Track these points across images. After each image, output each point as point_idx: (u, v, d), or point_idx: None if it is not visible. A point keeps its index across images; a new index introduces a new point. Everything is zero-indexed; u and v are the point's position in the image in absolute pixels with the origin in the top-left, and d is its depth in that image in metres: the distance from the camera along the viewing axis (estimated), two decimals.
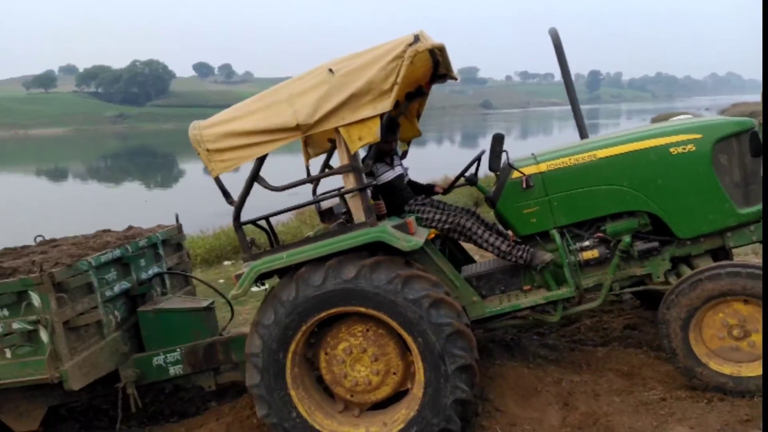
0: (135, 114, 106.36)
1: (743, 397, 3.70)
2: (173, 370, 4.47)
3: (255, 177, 3.85)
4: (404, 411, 3.76)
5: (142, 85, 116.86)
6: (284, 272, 3.85)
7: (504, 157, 4.31)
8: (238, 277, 3.81)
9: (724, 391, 3.74)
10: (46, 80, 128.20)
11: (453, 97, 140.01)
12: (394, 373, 3.82)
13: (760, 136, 4.07)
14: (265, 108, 3.73)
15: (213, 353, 4.48)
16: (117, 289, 4.45)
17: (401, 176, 4.65)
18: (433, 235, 4.49)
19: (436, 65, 4.39)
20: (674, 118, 4.40)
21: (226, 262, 11.07)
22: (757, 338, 3.72)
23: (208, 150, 3.74)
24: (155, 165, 45.54)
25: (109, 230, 5.38)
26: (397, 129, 4.65)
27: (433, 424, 3.63)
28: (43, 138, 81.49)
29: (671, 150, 4.03)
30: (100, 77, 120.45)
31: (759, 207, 4.07)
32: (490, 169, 4.29)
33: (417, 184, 4.94)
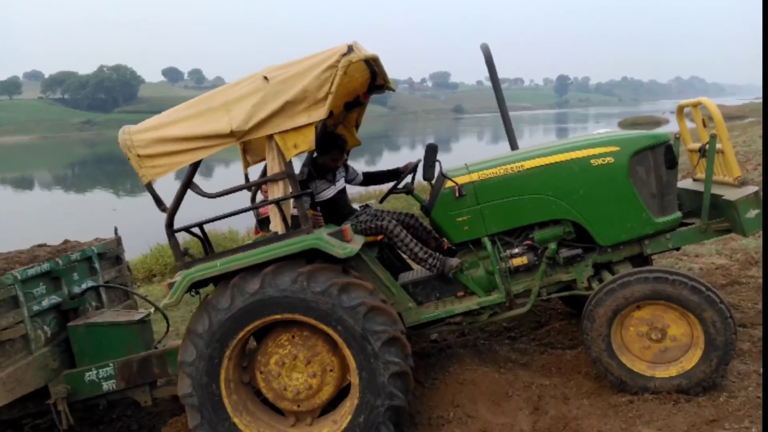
0: (103, 120, 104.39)
1: (652, 394, 3.84)
2: (106, 386, 4.40)
3: (188, 183, 3.85)
4: (348, 405, 3.81)
5: (110, 91, 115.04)
6: (219, 280, 3.85)
7: (437, 166, 4.40)
8: (171, 285, 3.80)
9: (636, 388, 3.89)
10: (10, 86, 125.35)
11: (425, 102, 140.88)
12: (331, 370, 3.86)
13: (675, 149, 4.25)
14: (199, 114, 3.73)
15: (147, 367, 4.42)
16: (46, 303, 4.36)
17: (342, 191, 4.71)
18: (373, 239, 4.56)
19: (374, 76, 4.46)
20: (595, 132, 4.57)
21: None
22: (673, 342, 3.88)
23: (138, 155, 3.73)
24: (124, 172, 44.73)
25: (44, 245, 5.28)
26: (345, 146, 4.69)
27: (377, 406, 3.68)
28: (7, 146, 79.50)
29: (592, 162, 4.17)
30: (67, 83, 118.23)
31: (674, 216, 4.26)
32: (424, 178, 4.38)
33: (380, 172, 5.08)
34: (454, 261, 4.35)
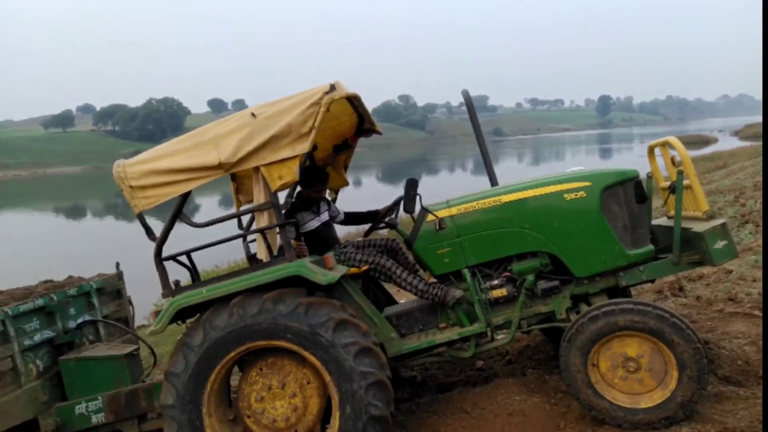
0: None
1: (636, 428, 3.78)
2: (95, 419, 4.53)
3: (178, 213, 4.02)
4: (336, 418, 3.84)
5: (158, 122, 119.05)
6: (203, 310, 3.96)
7: (418, 200, 4.45)
8: (157, 313, 3.92)
9: (620, 423, 3.84)
10: (64, 120, 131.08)
11: (464, 126, 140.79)
12: (308, 383, 3.94)
13: (648, 187, 4.32)
14: (190, 148, 3.93)
15: (135, 400, 4.54)
16: (38, 338, 4.53)
17: (326, 223, 4.82)
18: (357, 271, 4.60)
19: (362, 119, 4.60)
20: (569, 169, 4.61)
21: None
22: (648, 373, 3.86)
23: (131, 187, 3.92)
24: (170, 201, 46.03)
25: (51, 280, 5.50)
26: (327, 179, 4.84)
27: (359, 418, 3.74)
28: (61, 176, 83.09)
29: (565, 196, 4.23)
30: (117, 115, 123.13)
31: (646, 249, 4.28)
32: (405, 210, 4.43)
33: (358, 213, 5.17)
34: (458, 292, 4.35)
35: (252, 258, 4.72)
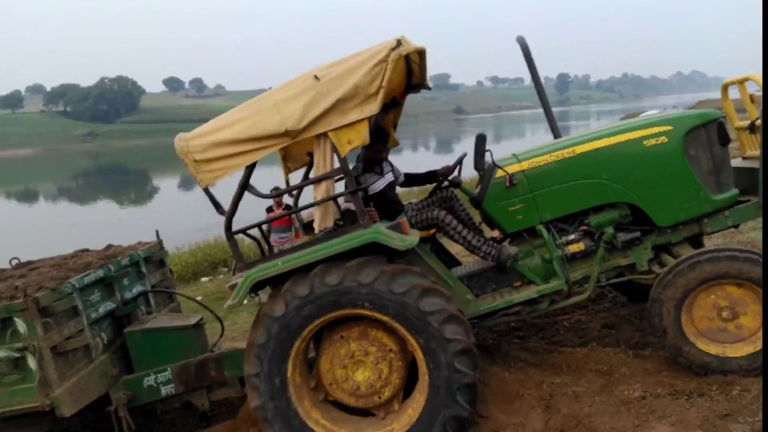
0: (105, 132, 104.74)
1: (725, 375, 3.81)
2: (165, 390, 4.41)
3: (245, 185, 3.86)
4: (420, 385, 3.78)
5: (112, 102, 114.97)
6: (276, 282, 3.85)
7: (488, 156, 4.37)
8: (233, 287, 3.80)
9: (708, 370, 3.86)
10: (13, 101, 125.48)
11: (426, 104, 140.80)
12: (391, 350, 3.84)
13: (726, 126, 4.22)
14: (251, 116, 3.74)
15: (205, 371, 4.43)
16: (102, 310, 4.36)
17: (391, 184, 4.67)
18: (426, 234, 4.53)
19: (410, 76, 4.46)
20: (644, 113, 4.55)
21: (203, 279, 10.98)
22: (745, 320, 3.84)
23: (195, 161, 3.73)
24: (128, 182, 44.90)
25: (87, 250, 5.29)
26: (388, 138, 4.67)
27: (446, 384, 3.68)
28: (11, 160, 79.73)
29: (645, 143, 4.16)
30: (68, 95, 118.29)
31: (732, 193, 4.21)
32: (476, 168, 4.36)
33: (416, 175, 5.00)
34: (513, 249, 4.31)
35: (306, 226, 4.62)
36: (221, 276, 10.52)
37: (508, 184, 4.28)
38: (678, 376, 3.99)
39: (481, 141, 4.28)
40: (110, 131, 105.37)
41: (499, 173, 4.33)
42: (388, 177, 4.66)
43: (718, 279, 3.81)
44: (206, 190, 3.84)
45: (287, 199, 7.76)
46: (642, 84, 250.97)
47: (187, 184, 39.33)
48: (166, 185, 39.86)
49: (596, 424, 3.60)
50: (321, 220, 3.88)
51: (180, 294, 5.25)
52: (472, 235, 4.38)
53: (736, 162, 4.69)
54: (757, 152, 4.21)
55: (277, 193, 4.12)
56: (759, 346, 3.80)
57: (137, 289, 4.84)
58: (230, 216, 3.90)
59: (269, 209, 8.03)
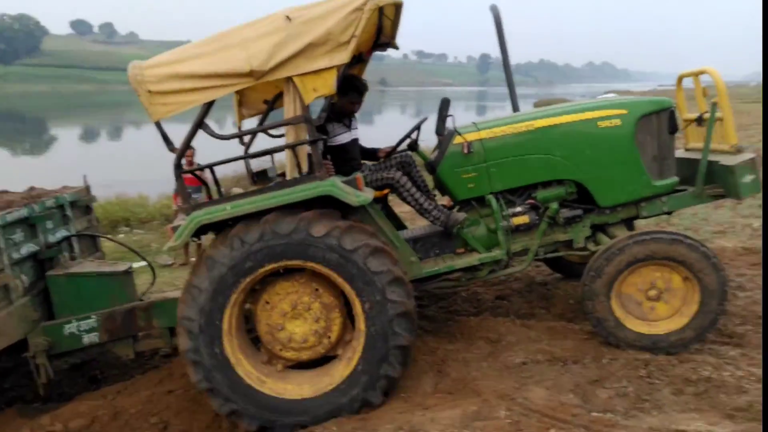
0: (1, 74, 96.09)
1: (655, 353, 4.00)
2: (87, 339, 4.19)
3: (200, 123, 3.69)
4: (354, 346, 3.79)
5: (11, 42, 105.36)
6: (221, 228, 3.74)
7: (450, 122, 4.37)
8: (175, 229, 3.66)
9: (639, 347, 4.04)
10: None
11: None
12: (328, 338, 3.84)
13: (677, 115, 4.40)
14: (215, 51, 3.56)
15: (133, 320, 4.25)
16: (24, 251, 4.08)
17: (355, 140, 4.58)
18: (379, 195, 4.53)
19: (378, 32, 4.33)
20: (601, 95, 4.70)
21: (120, 235, 10.51)
22: (669, 297, 4.06)
23: (149, 91, 3.51)
24: (23, 130, 41.53)
25: (7, 191, 4.91)
26: (365, 90, 4.55)
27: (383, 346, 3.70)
28: None
29: (599, 123, 4.28)
30: None
31: (672, 180, 4.42)
32: (437, 132, 4.36)
33: (361, 147, 4.88)
34: (461, 216, 4.37)
35: (256, 175, 4.51)
36: (121, 236, 10.09)
37: (465, 151, 4.31)
38: (557, 344, 4.25)
39: (444, 105, 4.27)
40: (6, 73, 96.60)
41: (458, 140, 4.34)
42: (355, 132, 4.56)
43: (645, 260, 3.96)
44: (157, 124, 3.63)
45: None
46: (557, 71, 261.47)
47: (89, 135, 36.94)
48: (66, 136, 37.30)
49: (480, 387, 3.78)
50: (292, 166, 3.80)
51: (110, 239, 4.98)
52: (424, 198, 4.41)
53: (678, 152, 4.88)
54: (700, 144, 4.40)
55: (233, 135, 3.96)
56: (684, 320, 4.02)
57: (61, 233, 4.54)
58: (181, 153, 3.74)
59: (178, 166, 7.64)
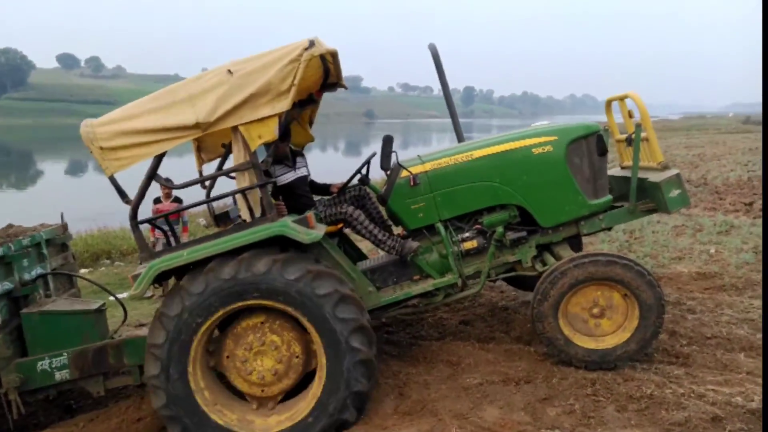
0: None
1: (602, 369, 4.28)
2: (59, 375, 4.30)
3: (153, 175, 3.89)
4: (314, 390, 3.93)
5: None
6: (182, 273, 3.89)
7: (393, 157, 4.62)
8: (135, 277, 3.78)
9: (587, 363, 4.29)
10: None
11: (337, 105, 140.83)
12: (297, 357, 3.98)
13: (605, 138, 4.73)
14: (163, 107, 3.77)
15: (103, 357, 4.36)
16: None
17: (303, 178, 4.79)
18: (333, 229, 4.73)
19: (327, 74, 4.62)
20: (535, 124, 5.00)
21: (83, 270, 10.56)
22: (612, 313, 4.30)
23: (101, 148, 3.72)
24: (8, 164, 41.46)
25: None
26: (288, 135, 4.81)
27: (342, 391, 3.84)
28: None
29: (533, 150, 4.59)
30: None
31: (606, 199, 4.73)
32: (382, 167, 4.58)
33: (314, 183, 5.14)
34: (414, 244, 4.62)
35: (218, 218, 4.71)
36: (102, 269, 10.20)
37: (411, 183, 4.58)
38: (512, 366, 4.48)
39: (387, 142, 4.50)
40: None
41: (404, 173, 4.61)
42: (301, 171, 4.80)
43: (585, 282, 4.22)
44: (111, 178, 3.83)
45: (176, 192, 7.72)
46: (539, 103, 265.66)
47: (73, 169, 36.90)
48: (52, 169, 37.27)
49: (438, 408, 3.98)
50: (245, 210, 4.00)
51: (84, 278, 5.11)
52: (378, 230, 4.63)
53: (614, 171, 5.23)
54: (631, 163, 4.69)
55: (185, 184, 4.14)
56: (627, 335, 4.26)
57: (37, 271, 4.70)
58: (136, 205, 3.93)
59: (157, 200, 7.87)
